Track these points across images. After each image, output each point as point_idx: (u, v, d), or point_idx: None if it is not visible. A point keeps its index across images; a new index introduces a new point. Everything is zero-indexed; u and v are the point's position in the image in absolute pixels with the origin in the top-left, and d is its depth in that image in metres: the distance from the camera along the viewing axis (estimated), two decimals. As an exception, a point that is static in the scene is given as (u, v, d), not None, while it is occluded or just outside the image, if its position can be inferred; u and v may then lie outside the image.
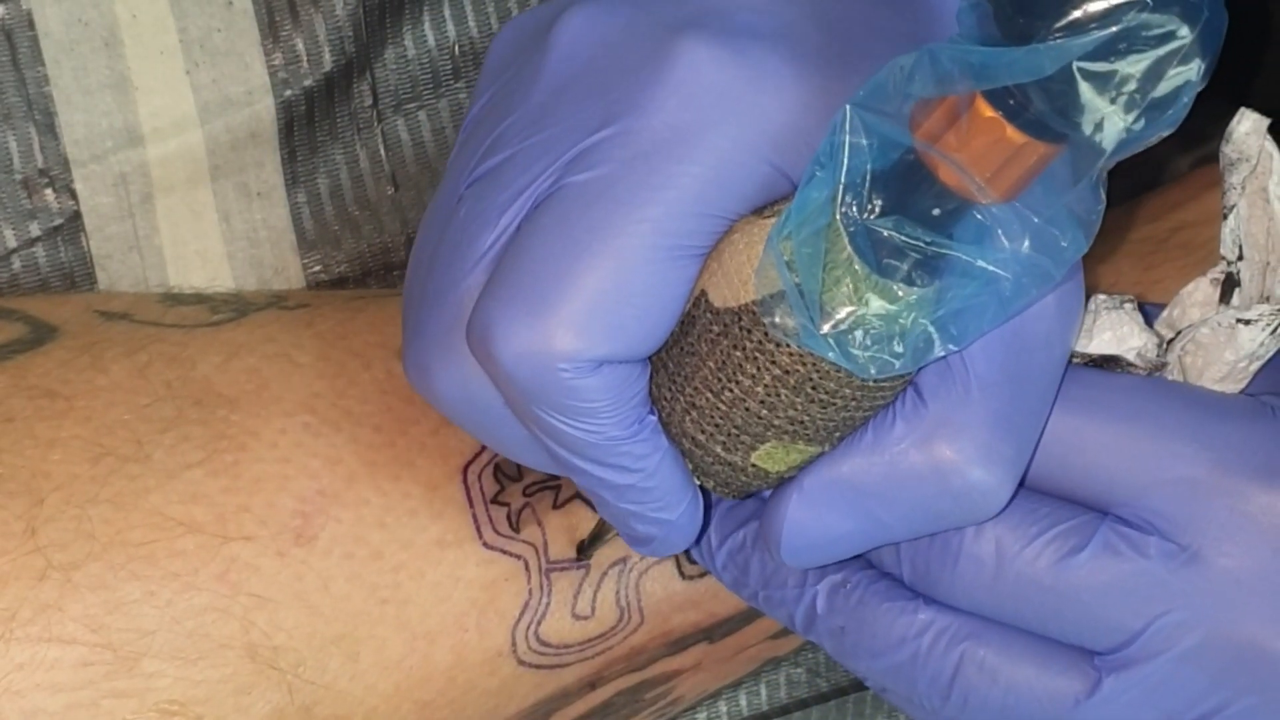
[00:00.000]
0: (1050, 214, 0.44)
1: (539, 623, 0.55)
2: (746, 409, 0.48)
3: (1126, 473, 0.50)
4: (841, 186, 0.43)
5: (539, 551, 0.55)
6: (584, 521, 0.56)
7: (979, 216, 0.44)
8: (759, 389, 0.47)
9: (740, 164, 0.46)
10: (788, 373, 0.47)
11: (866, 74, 0.44)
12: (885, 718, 0.68)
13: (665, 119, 0.47)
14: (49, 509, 0.51)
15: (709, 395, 0.48)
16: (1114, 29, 0.39)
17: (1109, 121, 0.41)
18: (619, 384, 0.47)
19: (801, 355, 0.46)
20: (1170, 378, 0.53)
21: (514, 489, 0.56)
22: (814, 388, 0.47)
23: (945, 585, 0.50)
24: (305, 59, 0.63)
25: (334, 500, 0.53)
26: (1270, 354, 0.52)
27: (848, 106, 0.43)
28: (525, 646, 0.55)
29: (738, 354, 0.47)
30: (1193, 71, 0.40)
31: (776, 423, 0.48)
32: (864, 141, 0.43)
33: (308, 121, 0.64)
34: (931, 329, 0.45)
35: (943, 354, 0.45)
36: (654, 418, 0.49)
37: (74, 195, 0.62)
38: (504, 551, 0.55)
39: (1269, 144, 0.52)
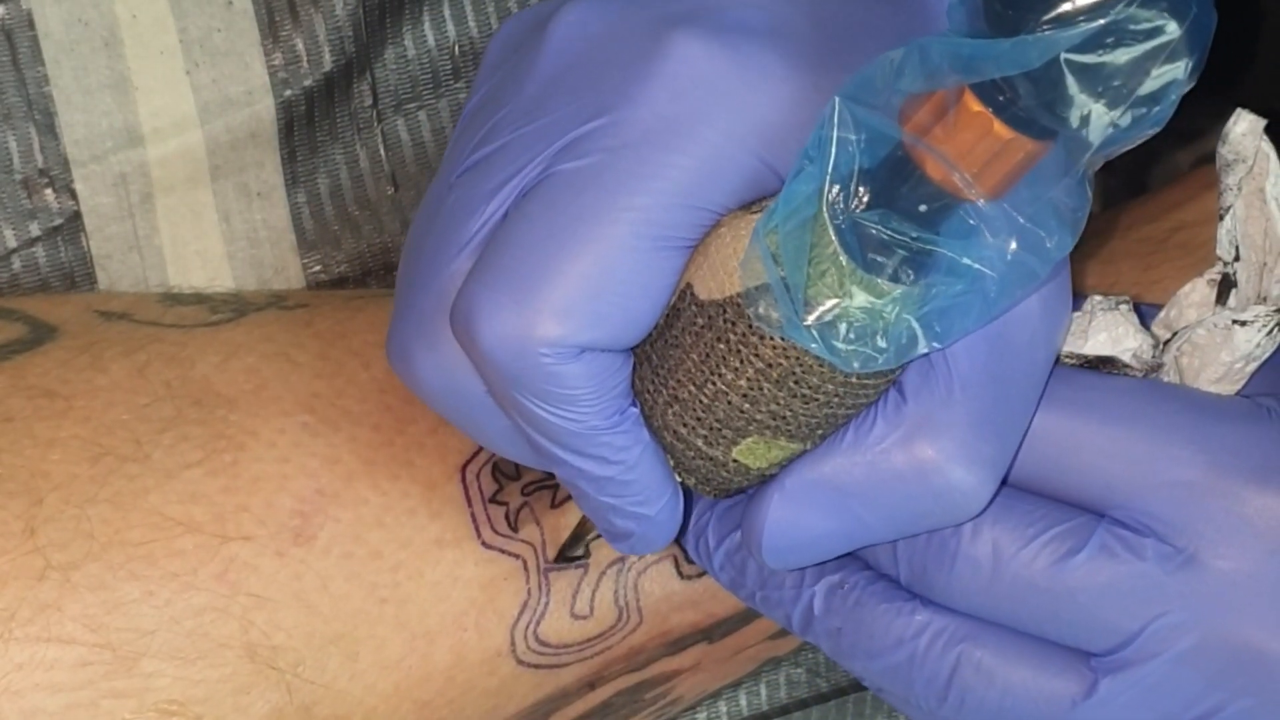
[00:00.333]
0: (1036, 213, 0.44)
1: (538, 622, 0.55)
2: (729, 403, 0.48)
3: (1123, 475, 0.50)
4: (829, 179, 0.43)
5: (537, 551, 0.55)
6: (585, 521, 0.56)
7: (966, 215, 0.44)
8: (742, 382, 0.47)
9: (729, 157, 0.47)
10: (771, 366, 0.47)
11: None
12: (885, 718, 0.68)
13: (655, 110, 0.47)
14: (48, 509, 0.51)
15: (691, 388, 0.48)
16: (1101, 22, 0.39)
17: (1095, 116, 0.41)
18: (601, 373, 0.47)
19: (785, 349, 0.46)
20: (1166, 379, 0.53)
21: (512, 488, 0.56)
22: (797, 382, 0.47)
23: (942, 587, 0.50)
24: (305, 59, 0.63)
25: (333, 500, 0.53)
26: (1266, 355, 0.52)
27: (836, 99, 0.43)
28: (524, 646, 0.55)
29: (721, 346, 0.47)
30: (1180, 70, 0.40)
31: (759, 417, 0.48)
32: (853, 135, 0.43)
33: (308, 121, 0.64)
34: (916, 325, 0.45)
35: (926, 351, 0.46)
36: (636, 410, 0.49)
37: (74, 195, 0.62)
38: (502, 551, 0.55)
39: (1265, 145, 0.52)
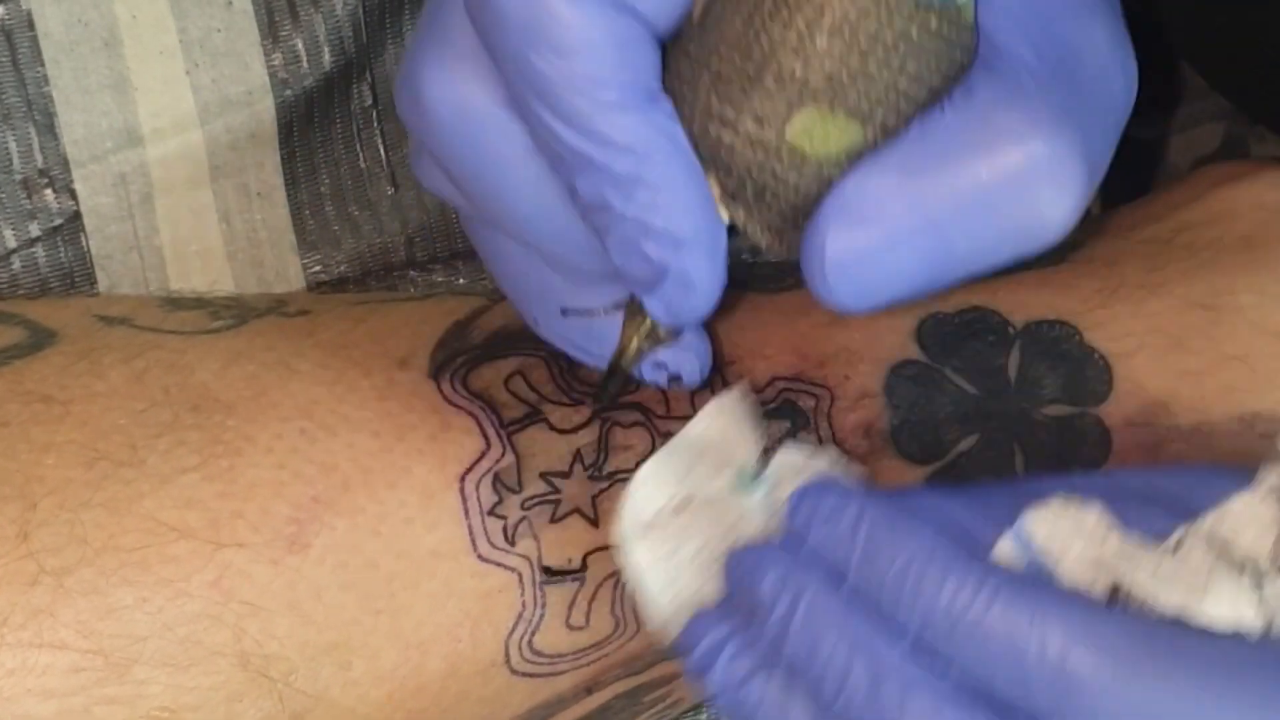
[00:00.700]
0: None
1: (533, 634, 0.55)
2: (779, 64, 0.43)
3: None
4: None
5: (534, 565, 0.55)
6: (581, 535, 0.56)
7: None
8: (791, 35, 0.43)
9: None
10: (822, 11, 0.43)
11: None
12: None
13: None
14: (42, 513, 0.51)
15: (736, 59, 0.44)
16: None
17: None
18: (620, 33, 0.44)
19: None
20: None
21: (512, 501, 0.55)
22: (852, 30, 0.43)
23: None
24: (305, 59, 0.63)
25: (328, 508, 0.53)
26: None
27: None
28: (519, 656, 0.55)
29: (767, 2, 0.43)
30: None
31: (813, 80, 0.43)
32: None
33: (307, 122, 0.64)
34: None
35: None
36: (668, 103, 0.45)
37: (74, 195, 0.62)
38: (499, 564, 0.55)
39: None
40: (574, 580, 0.56)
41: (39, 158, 0.62)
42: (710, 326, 0.57)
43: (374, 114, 0.66)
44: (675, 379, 0.54)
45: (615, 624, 0.56)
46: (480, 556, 0.54)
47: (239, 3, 0.62)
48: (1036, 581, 0.43)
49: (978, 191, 0.43)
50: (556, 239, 0.49)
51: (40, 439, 0.52)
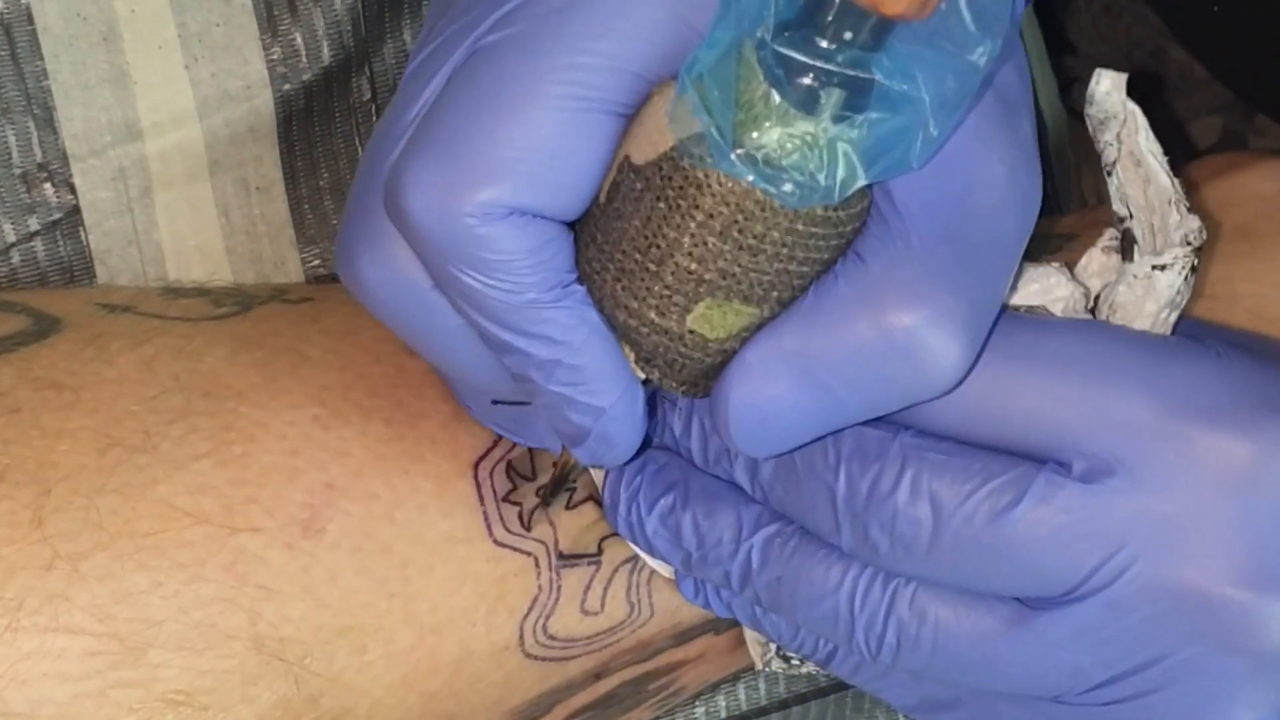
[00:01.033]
0: (958, 27, 0.43)
1: (547, 617, 0.55)
2: (675, 264, 0.46)
3: (1068, 418, 0.49)
4: (748, 14, 0.43)
5: (549, 549, 0.55)
6: (596, 521, 0.56)
7: (894, 39, 0.43)
8: (685, 239, 0.46)
9: (655, 21, 0.46)
10: (712, 217, 0.45)
11: None
12: (884, 714, 0.68)
13: None
14: (56, 499, 0.50)
15: (637, 256, 0.47)
16: None
17: None
18: (534, 239, 0.47)
19: (724, 195, 0.45)
20: None
21: (527, 489, 0.55)
22: (740, 231, 0.45)
23: (885, 550, 0.50)
24: (304, 53, 0.63)
25: (342, 493, 0.53)
26: (1184, 302, 0.52)
27: None
28: (533, 640, 0.55)
29: (661, 205, 0.46)
30: None
31: (708, 277, 0.46)
32: None
33: (307, 116, 0.65)
34: (854, 157, 0.44)
35: (867, 182, 0.44)
36: (581, 288, 0.48)
37: (73, 190, 0.62)
38: (514, 549, 0.55)
39: (1130, 103, 0.52)
40: (590, 564, 0.56)
41: (38, 152, 0.62)
42: None
43: (373, 108, 0.66)
44: None
45: (630, 609, 0.57)
46: (496, 541, 0.55)
47: (238, -3, 0.63)
48: None
49: (866, 357, 0.46)
50: (492, 384, 0.52)
51: (52, 425, 0.52)
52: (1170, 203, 0.52)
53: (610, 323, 0.48)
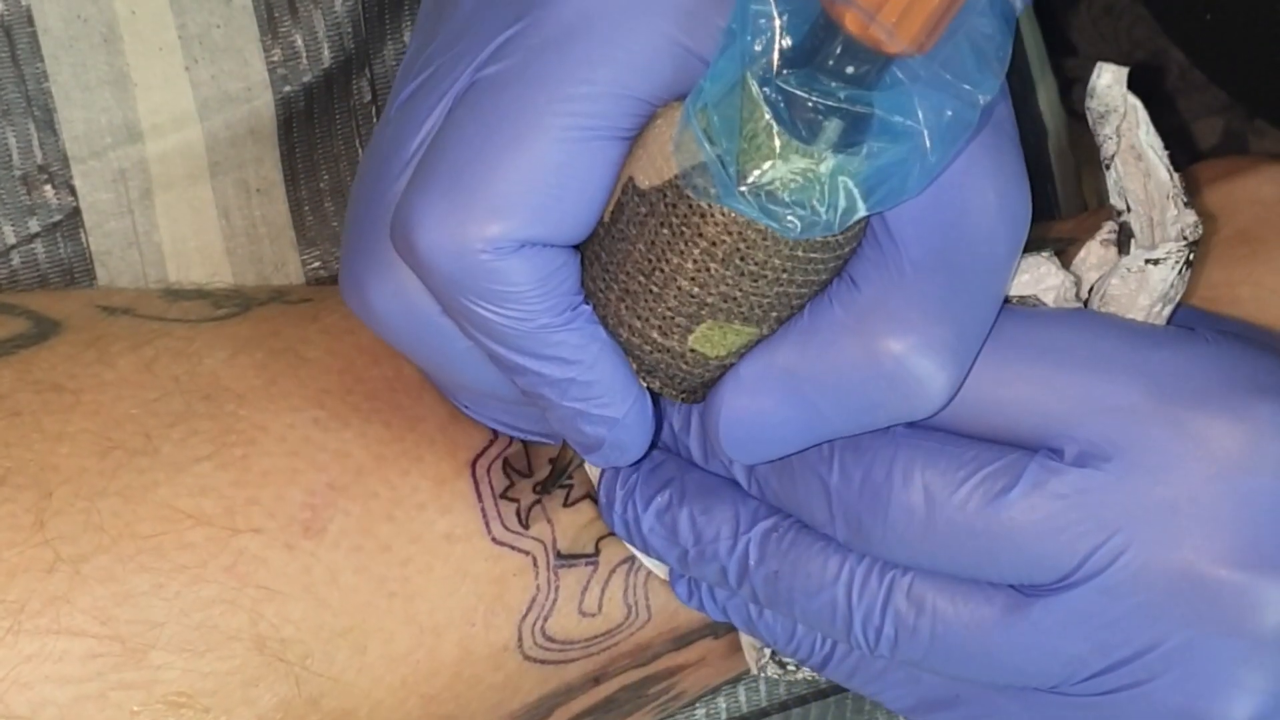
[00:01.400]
0: (960, 61, 0.44)
1: (545, 619, 0.55)
2: (678, 288, 0.47)
3: (1060, 405, 0.49)
4: (752, 48, 0.43)
5: (547, 548, 0.56)
6: (594, 519, 0.56)
7: (895, 73, 0.43)
8: (688, 265, 0.47)
9: (654, 47, 0.47)
10: (715, 244, 0.46)
11: None
12: (885, 715, 0.68)
13: (574, 7, 0.47)
14: (57, 502, 0.51)
15: (641, 278, 0.48)
16: None
17: None
18: (543, 268, 0.47)
19: (727, 224, 0.46)
20: None
21: (524, 485, 0.56)
22: (743, 259, 0.46)
23: (879, 539, 0.50)
24: (304, 55, 0.63)
25: (342, 493, 0.53)
26: (1179, 296, 0.52)
27: None
28: (531, 642, 0.55)
29: (665, 231, 0.47)
30: None
31: (709, 301, 0.48)
32: (773, 3, 0.43)
33: (307, 118, 0.65)
34: (854, 188, 0.45)
35: (867, 214, 0.45)
36: (588, 308, 0.49)
37: (73, 191, 0.62)
38: (513, 547, 0.55)
39: (1131, 97, 0.52)
40: (588, 564, 0.56)
41: (38, 154, 0.62)
42: None
43: (373, 110, 0.66)
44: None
45: (627, 611, 0.57)
46: (494, 539, 0.55)
47: (238, -1, 0.63)
48: None
49: (854, 380, 0.48)
50: (502, 399, 0.53)
51: (53, 428, 0.52)
52: (1169, 197, 0.52)
53: (614, 338, 0.49)
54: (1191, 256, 0.52)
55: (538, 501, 0.55)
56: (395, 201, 0.49)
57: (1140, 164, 0.52)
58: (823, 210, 0.45)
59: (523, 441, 0.56)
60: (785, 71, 0.43)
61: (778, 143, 0.44)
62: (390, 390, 0.56)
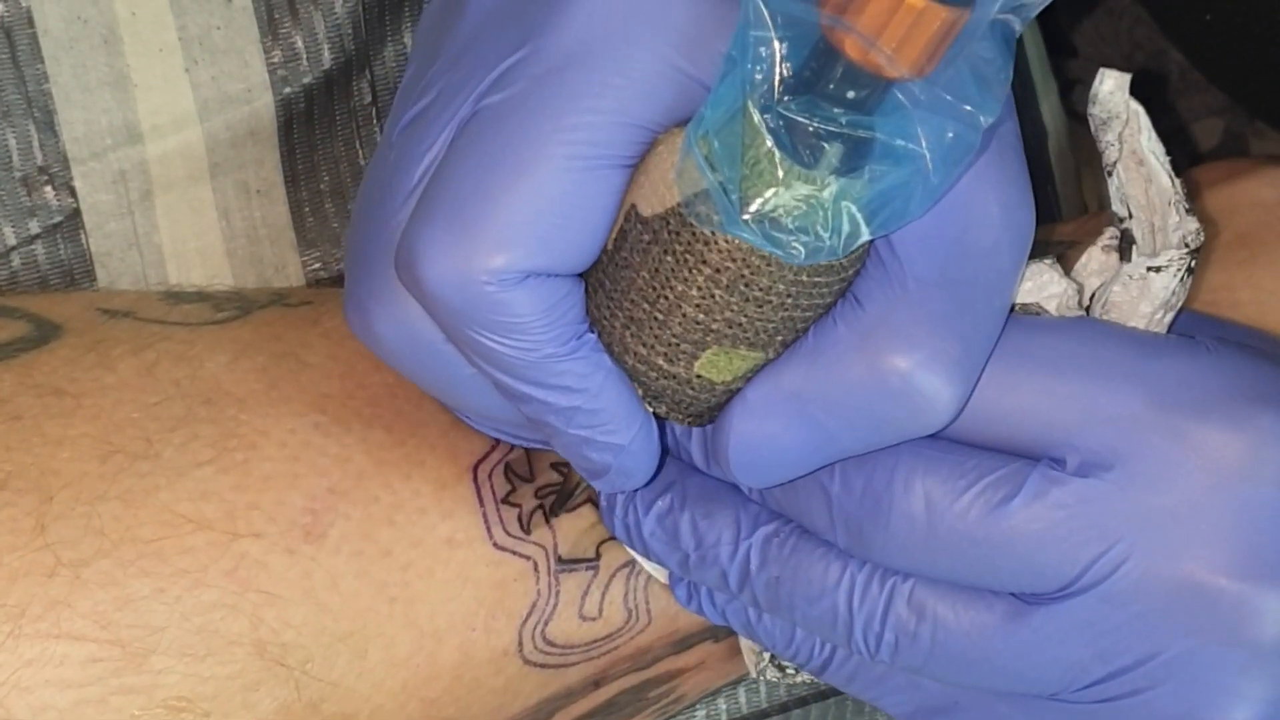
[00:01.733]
0: (961, 84, 0.44)
1: (546, 623, 0.56)
2: (683, 315, 0.47)
3: (1061, 414, 0.49)
4: (753, 76, 0.43)
5: (548, 553, 0.56)
6: (594, 524, 0.56)
7: (895, 96, 0.43)
8: (693, 292, 0.47)
9: (655, 73, 0.47)
10: (719, 271, 0.46)
11: None
12: (885, 716, 0.68)
13: (576, 35, 0.47)
14: (58, 506, 0.51)
15: (645, 306, 0.48)
16: None
17: None
18: (548, 298, 0.47)
19: (731, 251, 0.46)
20: None
21: (525, 490, 0.56)
22: (747, 285, 0.46)
23: (880, 546, 0.50)
24: (305, 56, 0.63)
25: (343, 498, 0.53)
26: (1180, 303, 0.52)
27: None
28: (531, 646, 0.56)
29: (669, 259, 0.47)
30: None
31: (714, 327, 0.48)
32: (772, 29, 0.43)
33: (307, 119, 0.64)
34: (856, 213, 0.45)
35: (870, 238, 0.45)
36: (593, 336, 0.49)
37: (73, 193, 0.62)
38: (514, 552, 0.55)
39: (1134, 103, 0.52)
40: (588, 569, 0.56)
41: (39, 155, 0.62)
42: None
43: (373, 111, 0.66)
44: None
45: (628, 615, 0.57)
46: (495, 544, 0.55)
47: (238, 0, 0.62)
48: None
49: (861, 399, 0.48)
50: (506, 420, 0.53)
51: (54, 432, 0.52)
52: (1170, 203, 0.52)
53: (619, 365, 0.49)
54: (1193, 264, 0.52)
55: (539, 506, 0.55)
56: (399, 229, 0.49)
57: (1142, 169, 0.52)
58: (826, 236, 0.44)
59: (524, 447, 0.56)
60: (786, 97, 0.43)
61: (780, 170, 0.44)
62: (391, 395, 0.56)
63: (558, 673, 0.57)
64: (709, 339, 0.48)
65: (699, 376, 0.49)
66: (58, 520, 0.50)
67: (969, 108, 0.44)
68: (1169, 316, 0.52)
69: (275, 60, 0.63)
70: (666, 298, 0.47)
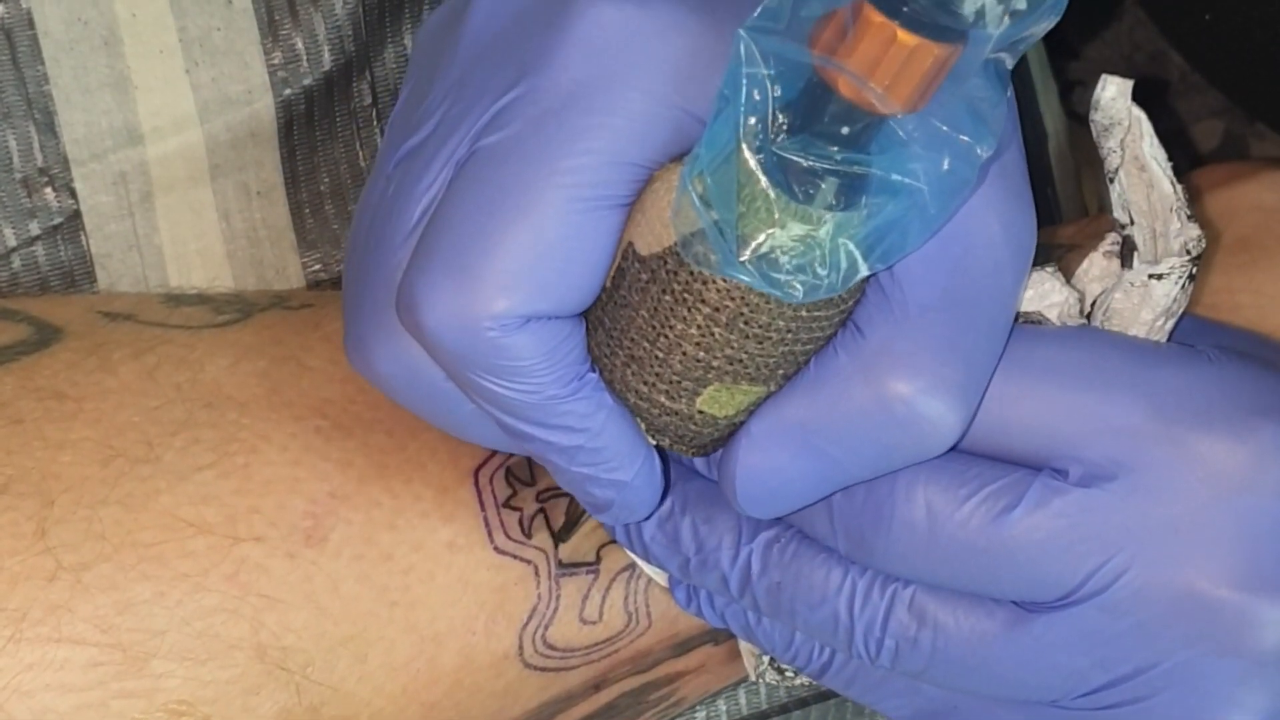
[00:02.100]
0: (956, 119, 0.44)
1: (547, 627, 0.56)
2: (684, 353, 0.48)
3: (1064, 425, 0.49)
4: (744, 114, 0.43)
5: (549, 557, 0.56)
6: (595, 528, 0.56)
7: (890, 131, 0.43)
8: (692, 331, 0.47)
9: (650, 112, 0.47)
10: (718, 310, 0.46)
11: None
12: (885, 718, 0.68)
13: (572, 74, 0.47)
14: (59, 510, 0.51)
15: (645, 344, 0.48)
16: None
17: (989, 7, 0.40)
18: (550, 341, 0.47)
19: (729, 290, 0.46)
20: None
21: (527, 494, 0.56)
22: (746, 323, 0.46)
23: (881, 553, 0.50)
24: (305, 58, 0.63)
25: (344, 502, 0.53)
26: (1181, 310, 0.52)
27: (742, 32, 0.43)
28: (532, 650, 0.56)
29: (667, 298, 0.47)
30: None
31: (715, 364, 0.48)
32: (764, 67, 0.43)
33: (307, 120, 0.64)
34: (854, 249, 0.44)
35: (868, 273, 0.45)
36: (594, 375, 0.49)
37: (74, 194, 0.62)
38: (515, 556, 0.55)
39: (1136, 109, 0.52)
40: (589, 572, 0.56)
41: (39, 156, 0.62)
42: None
43: (373, 113, 0.66)
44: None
45: (628, 618, 0.57)
46: (496, 548, 0.55)
47: (239, 1, 0.62)
48: None
49: (865, 427, 0.48)
50: (509, 451, 0.54)
51: (55, 436, 0.52)
52: (1172, 210, 0.52)
53: (621, 402, 0.50)
54: (1194, 271, 0.52)
55: (540, 510, 0.55)
56: (399, 268, 0.49)
57: (1144, 175, 0.52)
58: (825, 274, 0.44)
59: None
60: (780, 136, 0.43)
61: (776, 210, 0.44)
62: (393, 402, 0.56)
63: (558, 676, 0.57)
64: (710, 376, 0.48)
65: (701, 412, 0.49)
66: (59, 524, 0.50)
67: (965, 138, 0.44)
68: (1170, 323, 0.52)
69: (276, 62, 0.63)
70: (666, 336, 0.47)
